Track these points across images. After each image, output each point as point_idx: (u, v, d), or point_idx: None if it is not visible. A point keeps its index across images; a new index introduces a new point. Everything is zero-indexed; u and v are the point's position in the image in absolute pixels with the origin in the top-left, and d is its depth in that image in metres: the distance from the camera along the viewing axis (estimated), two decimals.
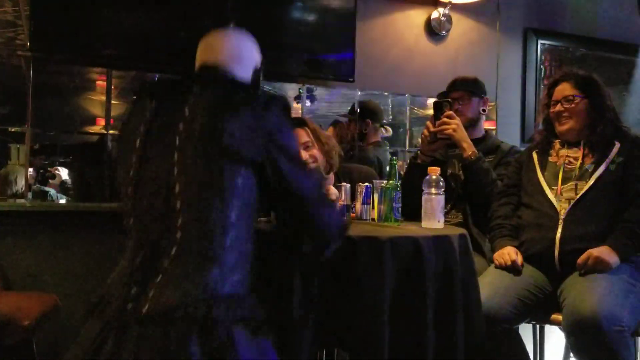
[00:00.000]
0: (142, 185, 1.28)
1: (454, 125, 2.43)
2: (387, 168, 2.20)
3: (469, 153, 2.42)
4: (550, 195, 2.20)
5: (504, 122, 3.56)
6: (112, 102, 2.81)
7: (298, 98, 3.14)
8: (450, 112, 2.46)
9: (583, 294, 1.92)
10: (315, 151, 2.31)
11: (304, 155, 2.21)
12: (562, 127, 2.26)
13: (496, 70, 3.54)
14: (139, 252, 1.25)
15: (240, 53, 1.49)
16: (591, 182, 2.14)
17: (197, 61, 1.51)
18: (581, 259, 2.03)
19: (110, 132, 2.81)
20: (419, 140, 2.75)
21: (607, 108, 2.24)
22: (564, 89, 2.28)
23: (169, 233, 1.21)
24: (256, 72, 1.51)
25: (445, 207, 2.23)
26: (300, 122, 2.38)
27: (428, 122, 2.52)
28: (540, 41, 3.64)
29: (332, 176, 2.41)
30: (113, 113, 2.82)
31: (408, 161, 2.75)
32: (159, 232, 1.22)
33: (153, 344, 1.12)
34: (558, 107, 2.27)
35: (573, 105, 2.24)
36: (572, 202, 2.14)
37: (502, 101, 3.54)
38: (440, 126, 2.44)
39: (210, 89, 1.32)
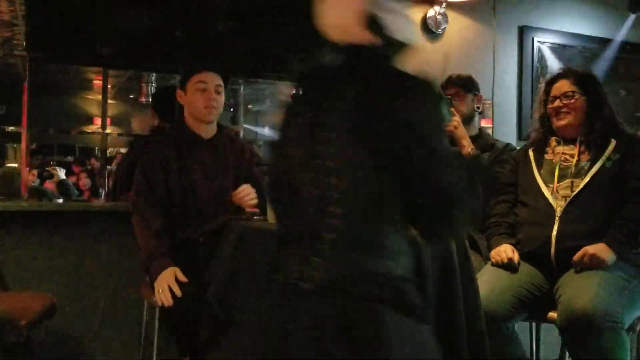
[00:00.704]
0: (302, 173, 1.25)
1: (455, 123, 2.43)
2: None
3: (469, 150, 2.43)
4: (546, 192, 2.21)
5: (500, 120, 3.57)
6: (109, 101, 2.82)
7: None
8: (451, 109, 2.46)
9: (578, 290, 1.93)
10: None
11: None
12: (560, 123, 2.27)
13: (492, 68, 3.54)
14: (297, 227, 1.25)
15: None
16: (587, 179, 2.15)
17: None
18: (577, 256, 2.04)
19: (107, 131, 2.81)
20: None
21: (605, 105, 2.25)
22: (563, 85, 2.29)
23: (327, 217, 1.19)
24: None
25: None
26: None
27: None
28: (536, 39, 3.65)
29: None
30: (110, 112, 2.83)
31: None
32: (314, 217, 1.21)
33: (338, 313, 1.13)
34: (557, 103, 2.28)
35: (572, 101, 2.25)
36: (568, 199, 2.15)
37: (499, 99, 3.55)
38: None
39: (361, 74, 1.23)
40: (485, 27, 3.55)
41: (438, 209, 1.20)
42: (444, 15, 3.40)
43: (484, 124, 3.41)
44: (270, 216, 1.91)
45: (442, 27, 3.42)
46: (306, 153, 1.23)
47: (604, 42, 3.86)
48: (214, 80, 2.30)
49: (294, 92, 1.39)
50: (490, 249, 2.30)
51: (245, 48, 2.98)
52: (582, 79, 2.29)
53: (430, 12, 3.39)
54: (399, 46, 1.27)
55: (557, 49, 3.75)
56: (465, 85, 2.68)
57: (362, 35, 1.24)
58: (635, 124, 3.53)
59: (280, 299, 1.23)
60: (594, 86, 2.28)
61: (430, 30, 3.39)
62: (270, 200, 1.48)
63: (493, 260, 2.22)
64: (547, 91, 2.35)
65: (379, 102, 1.16)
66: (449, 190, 1.17)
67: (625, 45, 3.91)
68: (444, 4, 3.35)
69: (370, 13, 1.24)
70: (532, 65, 3.64)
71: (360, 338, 1.12)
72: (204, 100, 2.27)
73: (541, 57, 3.71)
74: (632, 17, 3.79)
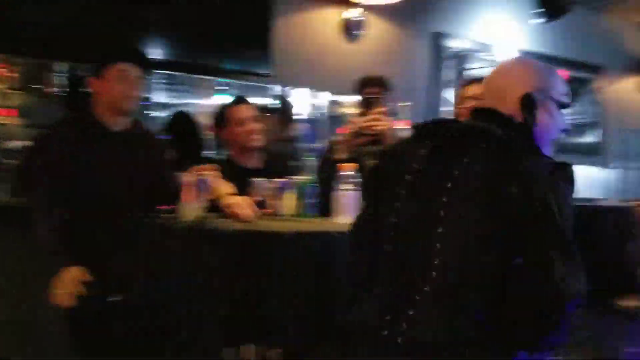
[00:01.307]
0: (403, 220, 1.25)
1: (387, 123, 2.44)
2: (301, 163, 2.21)
3: None
4: None
5: (416, 122, 3.67)
6: (14, 91, 2.66)
7: (217, 92, 3.11)
8: (384, 109, 2.46)
9: None
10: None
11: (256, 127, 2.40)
12: None
13: (409, 71, 3.65)
14: (392, 281, 1.24)
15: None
16: None
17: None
18: None
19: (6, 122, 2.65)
20: (335, 137, 2.77)
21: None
22: (477, 89, 2.38)
23: (424, 270, 1.18)
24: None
25: None
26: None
27: (354, 118, 2.51)
28: (448, 44, 3.79)
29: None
30: (16, 103, 2.67)
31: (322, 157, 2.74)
32: (414, 266, 1.20)
33: None
34: (468, 104, 2.37)
35: None
36: None
37: (415, 101, 3.66)
38: (371, 122, 2.43)
39: (485, 148, 1.20)
40: (402, 32, 3.65)
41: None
42: (363, 18, 3.47)
43: (402, 126, 3.49)
44: (184, 213, 1.88)
45: (361, 29, 3.47)
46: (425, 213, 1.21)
47: (512, 50, 4.07)
48: (135, 71, 2.22)
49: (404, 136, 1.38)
50: None
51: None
52: None
53: (349, 14, 3.44)
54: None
55: (468, 55, 3.91)
56: (384, 85, 2.73)
57: (513, 110, 1.26)
58: None
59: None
60: None
61: (349, 31, 3.44)
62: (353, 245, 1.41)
63: None
64: (461, 94, 2.45)
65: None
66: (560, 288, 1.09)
67: (528, 54, 4.14)
68: (360, 7, 3.41)
69: (529, 92, 1.26)
70: (441, 70, 3.78)
71: None
72: (125, 89, 2.18)
73: (455, 62, 3.87)
74: (537, 25, 4.01)
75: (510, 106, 1.26)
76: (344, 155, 2.51)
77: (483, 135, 1.20)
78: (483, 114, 1.29)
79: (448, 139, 1.26)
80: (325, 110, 3.42)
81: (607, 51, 4.70)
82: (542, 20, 3.86)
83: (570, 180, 1.18)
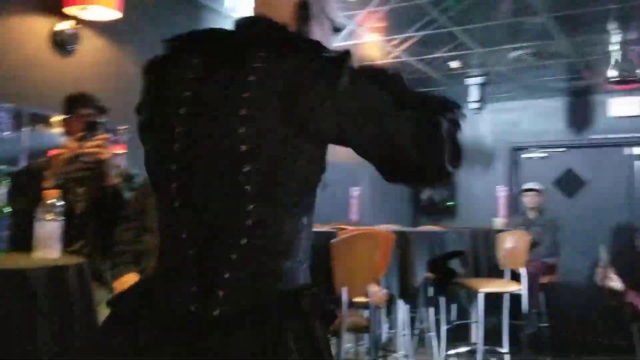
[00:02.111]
0: (192, 163, 1.00)
1: (110, 153, 2.31)
2: None
3: (116, 182, 2.34)
4: None
5: (136, 145, 3.52)
6: None
7: None
8: (106, 135, 2.32)
9: None
10: None
11: None
12: None
13: (124, 91, 3.50)
14: (191, 243, 0.99)
15: None
16: None
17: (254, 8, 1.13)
18: None
19: None
20: (39, 161, 2.49)
21: None
22: None
23: (235, 221, 0.97)
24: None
25: (66, 234, 2.06)
26: None
27: (70, 142, 2.29)
28: None
29: None
30: None
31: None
32: (221, 219, 0.98)
33: (244, 347, 0.93)
34: None
35: None
36: None
37: (132, 123, 3.51)
38: (93, 149, 2.25)
39: (283, 55, 0.98)
40: (121, 50, 3.50)
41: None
42: (77, 32, 3.23)
43: (119, 149, 3.33)
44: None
45: (74, 43, 3.23)
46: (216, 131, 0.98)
47: None
48: None
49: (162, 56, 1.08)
50: (115, 278, 2.22)
51: None
52: None
53: (60, 27, 3.16)
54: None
55: None
56: (101, 106, 2.56)
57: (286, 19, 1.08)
58: None
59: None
60: None
61: (60, 45, 3.17)
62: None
63: (117, 291, 2.15)
64: None
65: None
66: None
67: None
68: (74, 20, 3.18)
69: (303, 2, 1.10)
70: None
71: None
72: None
73: None
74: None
75: (283, 14, 1.09)
76: (51, 182, 2.28)
77: (269, 37, 1.04)
78: (252, 21, 1.11)
79: (225, 48, 1.05)
80: (23, 129, 3.04)
81: None
82: None
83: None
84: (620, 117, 6.11)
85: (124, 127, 3.37)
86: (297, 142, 0.96)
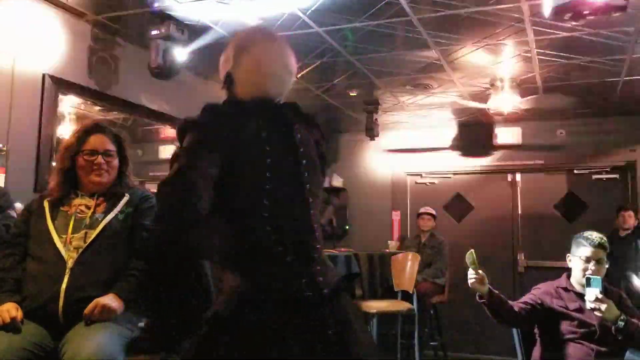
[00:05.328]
0: (278, 185, 1.46)
1: None
2: None
3: None
4: (59, 244, 2.15)
5: (16, 169, 3.32)
6: None
7: None
8: None
9: (84, 342, 1.91)
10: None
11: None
12: (100, 179, 2.30)
13: (8, 114, 3.30)
14: (286, 252, 1.44)
15: None
16: (99, 229, 2.19)
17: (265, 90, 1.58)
18: (88, 308, 2.03)
19: None
20: None
21: (127, 164, 2.41)
22: (104, 141, 2.32)
23: (311, 232, 1.51)
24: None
25: None
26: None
27: None
28: (60, 90, 3.60)
29: None
30: None
31: None
32: (303, 235, 1.49)
33: (348, 307, 1.49)
34: (99, 159, 2.28)
35: (113, 160, 2.33)
36: (81, 250, 2.14)
37: (15, 147, 3.31)
38: None
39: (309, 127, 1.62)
40: (2, 71, 3.29)
41: None
42: None
43: None
44: None
45: None
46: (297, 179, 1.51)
47: (127, 105, 4.12)
48: None
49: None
50: None
51: None
52: (116, 137, 2.41)
53: None
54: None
55: (85, 104, 3.79)
56: None
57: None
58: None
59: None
60: (123, 144, 2.43)
61: None
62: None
63: None
64: (80, 142, 2.31)
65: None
66: None
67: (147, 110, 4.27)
68: None
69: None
70: (55, 115, 3.56)
71: None
72: None
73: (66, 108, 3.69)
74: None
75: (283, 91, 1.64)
76: None
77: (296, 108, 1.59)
78: (291, 105, 1.62)
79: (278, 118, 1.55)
80: None
81: None
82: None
83: None
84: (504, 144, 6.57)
85: (2, 149, 3.18)
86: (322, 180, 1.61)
